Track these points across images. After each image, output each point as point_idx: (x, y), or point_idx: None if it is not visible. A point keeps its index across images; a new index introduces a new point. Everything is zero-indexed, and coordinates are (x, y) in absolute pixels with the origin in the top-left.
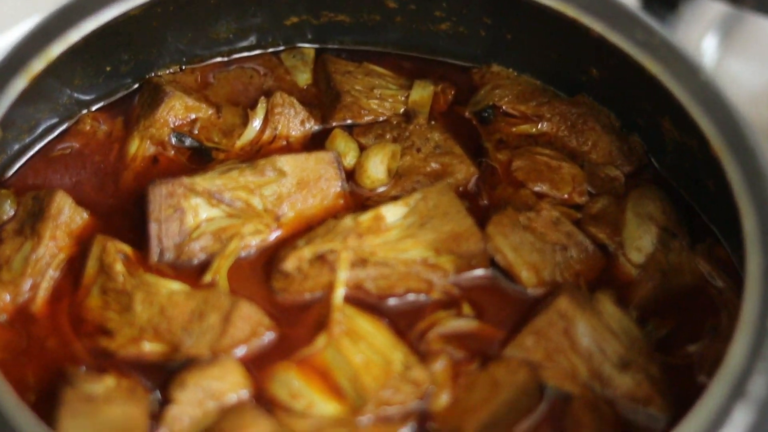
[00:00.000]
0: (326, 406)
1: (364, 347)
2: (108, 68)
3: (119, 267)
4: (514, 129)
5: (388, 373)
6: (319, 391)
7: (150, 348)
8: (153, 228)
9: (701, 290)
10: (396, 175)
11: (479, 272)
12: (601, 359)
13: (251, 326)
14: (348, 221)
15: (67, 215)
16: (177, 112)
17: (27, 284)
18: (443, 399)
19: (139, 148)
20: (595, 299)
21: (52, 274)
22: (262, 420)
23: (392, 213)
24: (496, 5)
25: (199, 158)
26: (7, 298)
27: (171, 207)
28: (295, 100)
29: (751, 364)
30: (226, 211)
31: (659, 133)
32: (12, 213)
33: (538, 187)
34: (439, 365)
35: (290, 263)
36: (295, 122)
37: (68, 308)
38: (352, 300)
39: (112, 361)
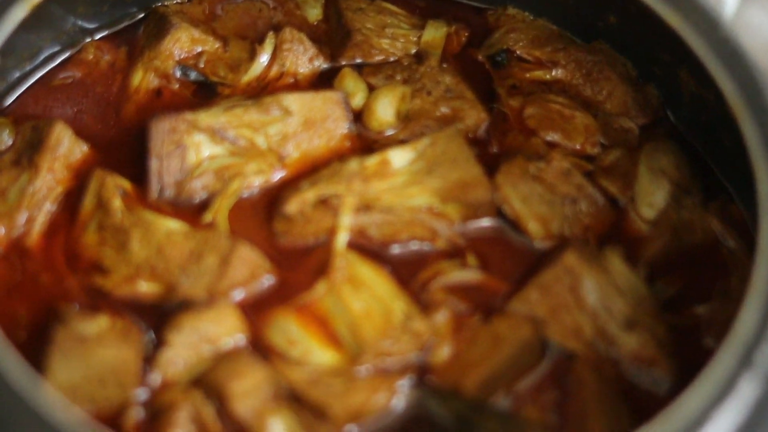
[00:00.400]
0: (323, 355)
1: (365, 295)
2: None
3: (117, 203)
4: (527, 75)
5: (389, 323)
6: (317, 338)
7: (146, 288)
8: (153, 164)
9: (712, 250)
10: (405, 119)
11: (485, 222)
12: (607, 318)
13: (250, 269)
14: (353, 164)
15: (66, 147)
16: (183, 44)
17: (23, 217)
18: (444, 352)
19: (143, 80)
20: (604, 256)
21: (48, 208)
22: (257, 367)
23: (399, 157)
24: None
25: (204, 93)
26: (2, 230)
27: (173, 143)
28: (304, 36)
29: (761, 332)
30: (230, 149)
31: (676, 85)
32: (10, 142)
33: (550, 136)
34: (441, 317)
35: (292, 206)
36: (304, 59)
37: (64, 243)
38: (354, 246)
39: (106, 301)
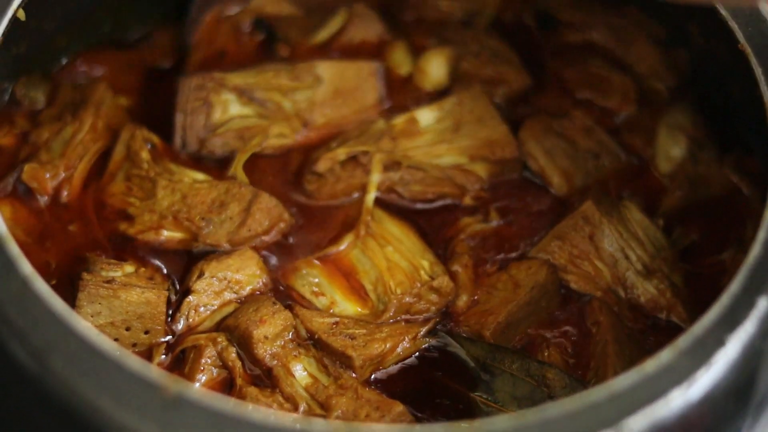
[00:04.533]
0: (348, 306)
1: (390, 252)
2: None
3: (145, 154)
4: (565, 38)
5: (413, 280)
6: (342, 290)
7: (168, 235)
8: (179, 118)
9: (728, 202)
10: (453, 80)
11: (511, 177)
12: (626, 266)
13: (270, 219)
14: (381, 123)
15: (108, 105)
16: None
17: (64, 165)
18: (464, 300)
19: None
20: (623, 205)
21: (88, 159)
22: (281, 314)
23: (426, 116)
24: None
25: (267, 51)
26: (47, 176)
27: (199, 99)
28: (375, 14)
29: None
30: (256, 110)
31: (685, 34)
32: (43, 102)
33: (588, 95)
34: (462, 267)
35: (323, 164)
36: (372, 34)
37: (93, 194)
38: (382, 203)
39: (131, 249)
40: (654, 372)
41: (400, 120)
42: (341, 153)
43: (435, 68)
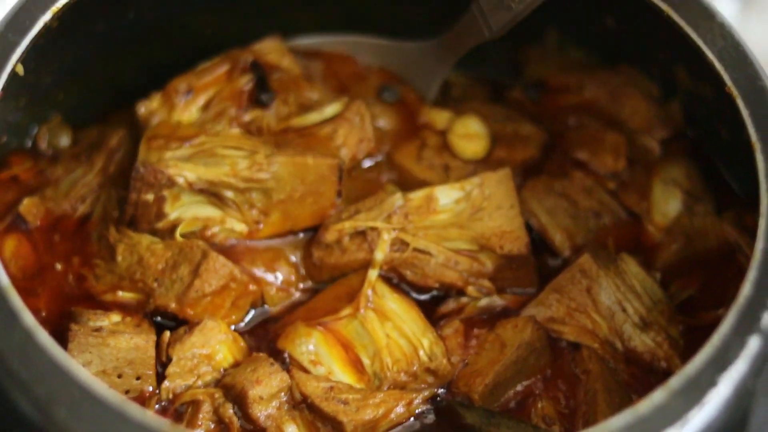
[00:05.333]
0: (345, 378)
1: (390, 328)
2: None
3: (112, 222)
4: (559, 101)
5: (411, 360)
6: (340, 362)
7: (124, 296)
8: (131, 196)
9: (728, 256)
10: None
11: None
12: (623, 318)
13: (219, 280)
14: (397, 198)
15: (123, 154)
16: (274, 53)
17: (66, 204)
18: (453, 363)
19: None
20: (620, 258)
21: (92, 201)
22: (277, 376)
23: (446, 195)
24: None
25: (256, 100)
26: (44, 211)
27: (150, 191)
28: (368, 118)
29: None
30: (207, 201)
31: (674, 83)
32: (66, 144)
33: (581, 156)
34: (453, 331)
35: (330, 235)
36: (354, 138)
37: (80, 241)
38: (385, 278)
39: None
40: (647, 413)
41: (418, 195)
42: (349, 227)
43: (474, 127)
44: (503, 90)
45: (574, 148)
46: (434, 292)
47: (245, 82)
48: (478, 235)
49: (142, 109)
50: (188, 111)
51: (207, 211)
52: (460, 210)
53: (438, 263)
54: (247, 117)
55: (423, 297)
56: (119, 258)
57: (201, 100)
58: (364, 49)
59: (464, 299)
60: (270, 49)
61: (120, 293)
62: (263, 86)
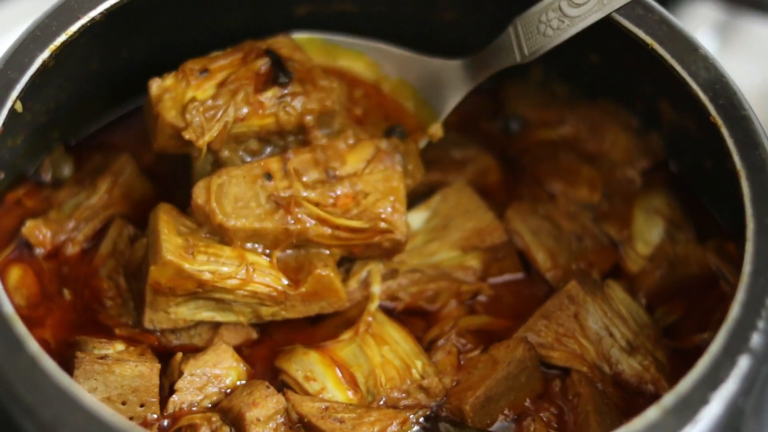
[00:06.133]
0: (338, 394)
1: (386, 351)
2: None
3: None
4: (537, 136)
5: (404, 377)
6: (334, 379)
7: (141, 336)
8: (147, 315)
9: (711, 282)
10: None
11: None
12: (610, 342)
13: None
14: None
15: (127, 176)
16: (283, 45)
17: (70, 226)
18: (445, 383)
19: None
20: (606, 284)
21: (95, 225)
22: (273, 398)
23: (416, 219)
24: None
25: (273, 80)
26: (48, 234)
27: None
28: (399, 174)
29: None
30: (213, 309)
31: (658, 116)
32: (69, 174)
33: (556, 188)
34: (445, 354)
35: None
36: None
37: (87, 265)
38: (384, 309)
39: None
40: (641, 430)
41: None
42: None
43: None
44: (476, 120)
45: (549, 180)
46: (429, 307)
47: (262, 64)
48: (457, 241)
49: (155, 86)
50: (203, 88)
51: (209, 315)
52: (433, 226)
53: (430, 276)
54: (266, 95)
55: (419, 312)
56: (131, 305)
57: (217, 77)
58: (386, 56)
59: (450, 321)
60: (282, 44)
61: (138, 331)
62: (280, 67)
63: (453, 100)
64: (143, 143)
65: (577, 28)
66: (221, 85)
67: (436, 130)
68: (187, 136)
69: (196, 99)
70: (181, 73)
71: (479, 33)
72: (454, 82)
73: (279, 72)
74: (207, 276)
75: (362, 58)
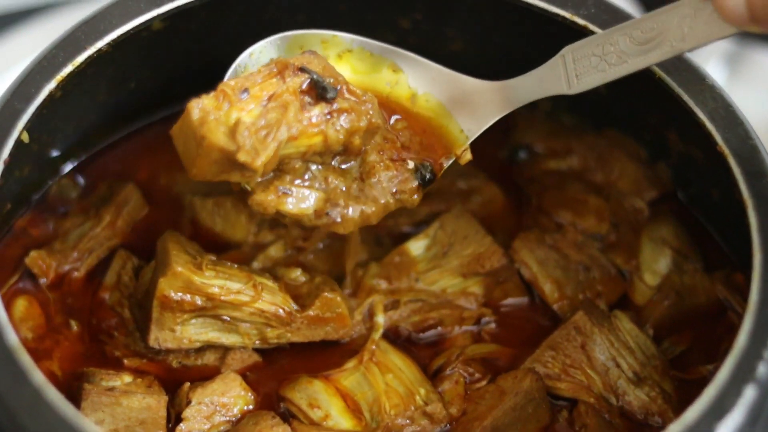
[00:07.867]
0: (342, 422)
1: (390, 378)
2: None
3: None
4: (544, 166)
5: (408, 404)
6: (338, 407)
7: (147, 366)
8: (152, 333)
9: (719, 313)
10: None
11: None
12: (617, 374)
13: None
14: (373, 268)
15: (132, 206)
16: (311, 61)
17: (74, 256)
18: (452, 413)
19: None
20: (613, 315)
21: (99, 254)
22: (278, 427)
23: (416, 247)
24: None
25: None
26: (53, 264)
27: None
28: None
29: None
30: (219, 329)
31: (665, 146)
32: (74, 197)
33: (564, 219)
34: (452, 384)
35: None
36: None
37: (92, 295)
38: (387, 338)
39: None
40: None
41: (391, 255)
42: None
43: None
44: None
45: (556, 210)
46: (434, 334)
47: (302, 81)
48: (457, 267)
49: (196, 109)
50: (247, 108)
51: (215, 335)
52: (433, 254)
53: (431, 305)
54: (314, 112)
55: (423, 338)
56: (137, 335)
57: (260, 96)
58: (418, 68)
59: (455, 349)
60: (310, 60)
61: (145, 361)
62: (321, 84)
63: (486, 121)
64: (149, 171)
65: (637, 67)
66: (265, 104)
67: (466, 152)
68: (242, 158)
69: (242, 120)
70: (222, 94)
71: (488, 64)
72: (489, 105)
73: (323, 88)
74: (215, 290)
75: (391, 66)
